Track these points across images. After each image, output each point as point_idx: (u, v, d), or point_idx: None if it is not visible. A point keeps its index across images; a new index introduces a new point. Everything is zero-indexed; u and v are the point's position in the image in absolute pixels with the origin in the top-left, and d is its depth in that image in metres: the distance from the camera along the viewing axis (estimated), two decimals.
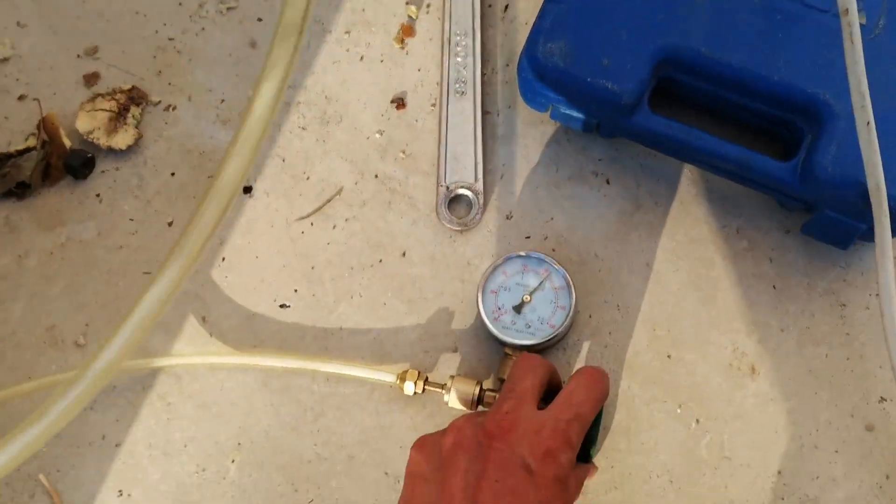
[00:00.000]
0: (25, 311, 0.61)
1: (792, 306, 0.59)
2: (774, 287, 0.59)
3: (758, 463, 0.56)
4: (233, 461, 0.58)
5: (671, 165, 0.62)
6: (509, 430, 0.45)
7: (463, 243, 0.61)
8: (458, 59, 0.64)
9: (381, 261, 0.61)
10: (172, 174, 0.64)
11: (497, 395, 0.53)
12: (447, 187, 0.62)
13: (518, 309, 0.57)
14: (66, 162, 0.63)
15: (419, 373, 0.56)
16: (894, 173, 0.50)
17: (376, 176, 0.63)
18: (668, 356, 0.58)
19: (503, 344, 0.57)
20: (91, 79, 0.66)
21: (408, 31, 0.66)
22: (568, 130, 0.63)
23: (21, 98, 0.66)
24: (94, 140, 0.63)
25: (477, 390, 0.55)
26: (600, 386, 0.50)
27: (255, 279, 0.61)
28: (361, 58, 0.66)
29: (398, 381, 0.56)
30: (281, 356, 0.59)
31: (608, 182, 0.62)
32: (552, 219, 0.61)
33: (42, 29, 0.67)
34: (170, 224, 0.62)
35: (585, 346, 0.59)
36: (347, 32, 0.66)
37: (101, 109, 0.64)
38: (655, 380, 0.58)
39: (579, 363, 0.58)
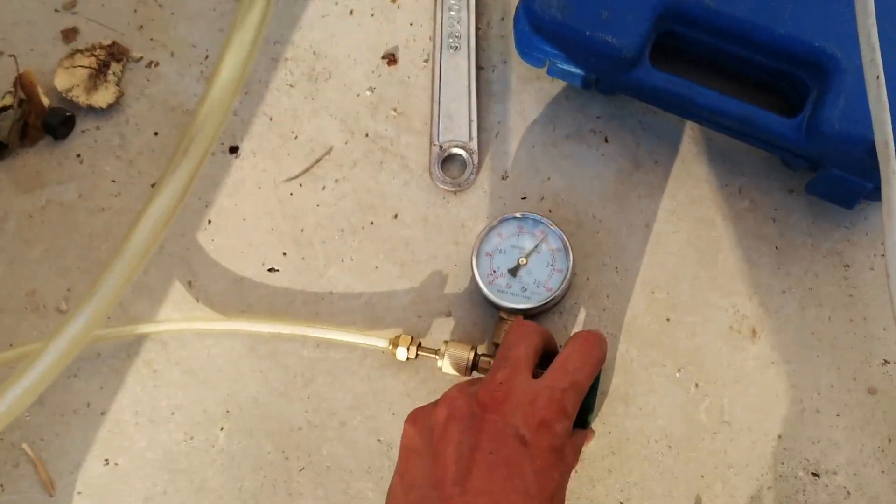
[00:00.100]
0: (5, 276, 0.59)
1: (794, 268, 0.57)
2: (777, 248, 0.58)
3: (758, 427, 0.55)
4: (221, 429, 0.57)
5: (672, 123, 0.60)
6: (503, 400, 0.44)
7: (457, 204, 0.60)
8: (452, 13, 0.62)
9: (372, 223, 0.60)
10: (156, 133, 0.62)
11: (492, 361, 0.52)
12: (440, 146, 0.60)
13: (513, 272, 0.55)
14: (45, 121, 0.61)
15: (412, 338, 0.55)
16: None
17: (367, 135, 0.61)
18: (668, 319, 0.57)
19: (498, 308, 0.55)
20: (69, 34, 0.64)
21: None
22: (565, 87, 0.61)
23: None
24: (74, 98, 0.61)
25: (471, 355, 0.54)
26: (596, 351, 0.48)
27: (242, 242, 0.60)
28: (351, 12, 0.63)
29: (390, 347, 0.55)
30: (270, 321, 0.57)
31: (607, 140, 0.60)
32: (549, 179, 0.60)
33: None
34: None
35: (583, 309, 0.57)
36: None
37: (81, 66, 0.62)
38: (654, 343, 0.57)
39: (576, 327, 0.57)
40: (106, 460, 0.56)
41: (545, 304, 0.55)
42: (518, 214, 0.56)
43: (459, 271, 0.58)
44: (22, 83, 0.62)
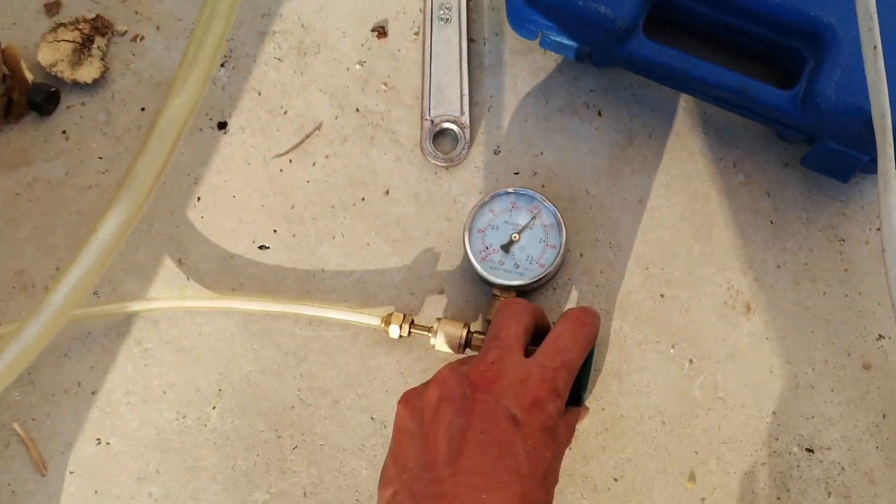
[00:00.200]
0: None
1: (789, 242, 0.57)
2: (772, 222, 0.57)
3: (752, 403, 0.55)
4: (214, 408, 0.56)
5: (666, 96, 0.59)
6: (494, 380, 0.44)
7: (449, 180, 0.59)
8: None
9: (363, 199, 0.59)
10: (142, 109, 0.61)
11: (485, 339, 0.52)
12: (432, 121, 0.59)
13: (506, 248, 0.55)
14: (29, 97, 0.60)
15: (405, 315, 0.55)
16: None
17: (357, 110, 0.60)
18: (662, 295, 0.57)
19: (491, 285, 0.55)
20: (52, 7, 0.62)
21: None
22: (558, 59, 0.60)
23: None
24: (58, 73, 0.60)
25: (464, 333, 0.53)
26: (588, 329, 0.48)
27: (232, 219, 0.59)
28: None
29: (383, 325, 0.55)
30: (261, 299, 0.57)
31: (600, 114, 0.59)
32: (542, 153, 0.59)
33: None
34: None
35: (576, 286, 0.57)
36: None
37: (64, 40, 0.61)
38: (648, 320, 0.56)
39: (570, 304, 0.57)
40: (98, 440, 0.56)
41: (538, 280, 0.54)
42: (511, 190, 0.56)
43: (452, 248, 0.58)
44: (4, 58, 0.60)
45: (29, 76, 0.60)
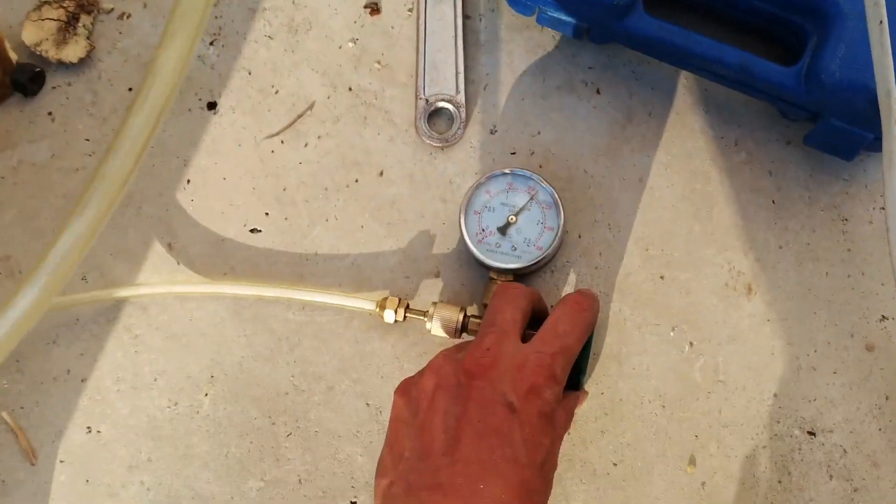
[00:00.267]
0: None
1: (791, 222, 0.56)
2: (773, 202, 0.56)
3: (753, 386, 0.54)
4: (206, 394, 0.55)
5: (666, 73, 0.58)
6: (490, 367, 0.43)
7: (444, 160, 0.58)
8: None
9: (357, 181, 0.58)
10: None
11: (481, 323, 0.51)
12: (426, 100, 0.58)
13: (503, 230, 0.54)
14: (13, 77, 0.58)
15: (400, 300, 0.54)
16: None
17: (350, 89, 0.59)
18: (662, 277, 0.56)
19: (488, 268, 0.54)
20: None
21: None
22: (556, 36, 0.59)
23: None
24: (43, 53, 0.59)
25: (461, 317, 0.52)
26: (586, 314, 0.47)
27: (223, 202, 0.58)
28: None
29: (378, 309, 0.54)
30: (253, 284, 0.56)
31: (599, 92, 0.58)
32: (539, 133, 0.58)
33: None
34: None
35: (574, 268, 0.56)
36: None
37: (49, 19, 0.59)
38: (648, 302, 0.55)
39: (568, 287, 0.56)
40: (88, 428, 0.55)
41: (536, 262, 0.53)
42: (507, 170, 0.55)
43: (447, 230, 0.57)
44: None
45: (13, 56, 0.59)
